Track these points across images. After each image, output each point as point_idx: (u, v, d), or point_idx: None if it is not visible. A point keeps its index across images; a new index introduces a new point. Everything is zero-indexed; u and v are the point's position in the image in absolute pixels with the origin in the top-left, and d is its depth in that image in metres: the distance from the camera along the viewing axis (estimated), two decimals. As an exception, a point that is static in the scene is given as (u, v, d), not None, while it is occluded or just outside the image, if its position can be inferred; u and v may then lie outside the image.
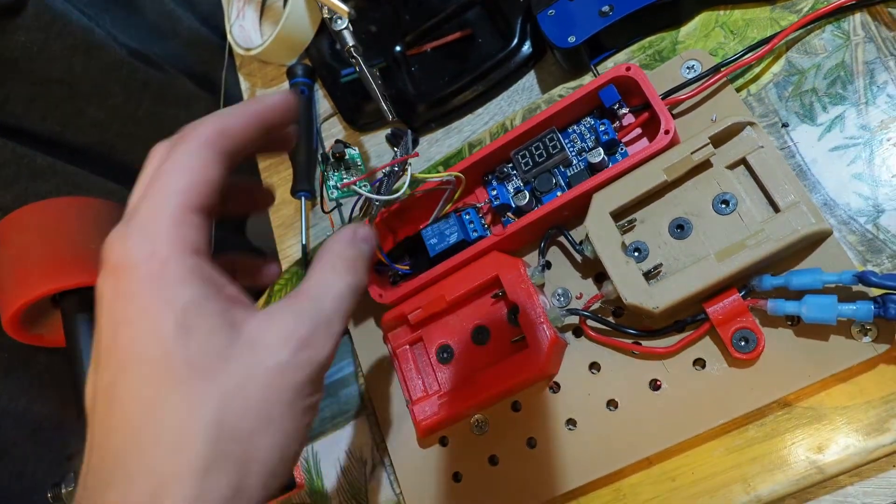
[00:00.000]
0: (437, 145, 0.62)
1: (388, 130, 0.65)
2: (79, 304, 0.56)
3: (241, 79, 0.79)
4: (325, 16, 0.48)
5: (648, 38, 0.51)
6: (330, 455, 0.54)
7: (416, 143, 0.62)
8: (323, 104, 0.71)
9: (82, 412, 0.53)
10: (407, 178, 0.44)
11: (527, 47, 0.58)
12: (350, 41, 0.49)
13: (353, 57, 0.49)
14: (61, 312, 0.56)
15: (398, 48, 0.64)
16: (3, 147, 0.62)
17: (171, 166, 0.28)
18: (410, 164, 0.45)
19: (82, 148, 0.73)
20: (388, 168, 0.45)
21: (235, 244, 0.95)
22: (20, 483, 0.68)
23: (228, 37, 0.75)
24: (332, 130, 0.69)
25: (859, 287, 0.37)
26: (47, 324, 0.60)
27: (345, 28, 0.48)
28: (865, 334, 0.37)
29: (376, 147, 0.66)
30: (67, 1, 0.67)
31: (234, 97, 0.81)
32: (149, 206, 0.27)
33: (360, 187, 0.46)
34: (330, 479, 0.54)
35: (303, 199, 0.65)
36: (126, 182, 0.76)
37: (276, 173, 0.72)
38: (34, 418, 0.69)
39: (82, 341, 0.54)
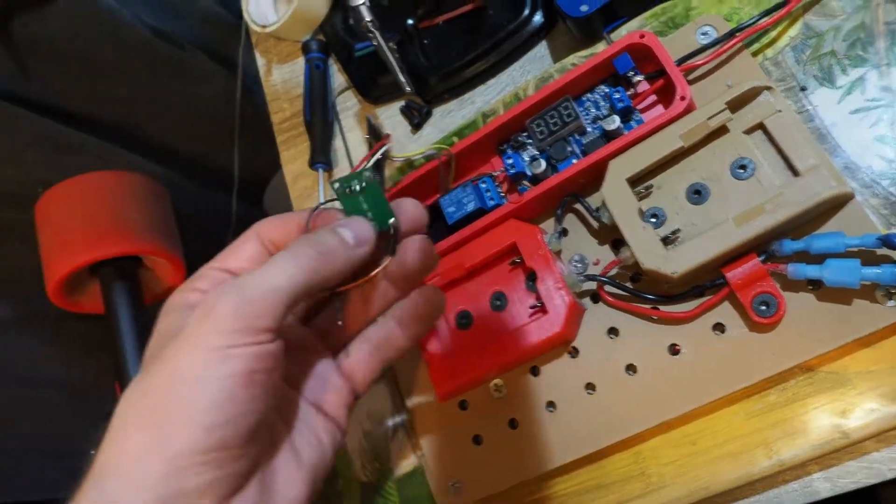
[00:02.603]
0: (451, 116, 0.58)
1: (403, 102, 0.61)
2: (116, 273, 0.54)
3: (258, 55, 0.76)
4: (342, -9, 0.44)
5: (661, 5, 0.47)
6: (353, 418, 0.52)
7: (428, 115, 0.60)
8: (337, 78, 0.67)
9: (119, 373, 0.51)
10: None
11: (538, 17, 0.54)
12: (367, 16, 0.45)
13: (371, 32, 0.45)
14: (100, 281, 0.54)
15: (410, 21, 0.60)
16: (42, 125, 0.60)
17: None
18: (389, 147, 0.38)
19: (110, 124, 0.70)
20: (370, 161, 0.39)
21: (251, 216, 0.92)
22: (60, 441, 0.67)
23: (245, 14, 0.71)
24: (348, 104, 0.66)
25: (883, 250, 0.34)
26: (85, 292, 0.58)
27: (362, 4, 0.45)
28: (890, 298, 0.34)
29: (390, 119, 0.62)
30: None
31: (250, 74, 0.78)
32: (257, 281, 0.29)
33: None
34: (353, 441, 0.51)
35: (320, 170, 0.63)
36: (148, 155, 0.74)
37: (294, 146, 0.69)
38: (72, 383, 0.68)
39: (119, 308, 0.53)
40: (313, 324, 0.36)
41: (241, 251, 0.33)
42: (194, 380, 0.27)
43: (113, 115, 0.70)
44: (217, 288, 0.29)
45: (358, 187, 0.32)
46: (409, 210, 0.34)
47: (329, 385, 0.35)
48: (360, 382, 0.35)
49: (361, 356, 0.35)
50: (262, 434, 0.30)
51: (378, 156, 0.31)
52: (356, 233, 0.32)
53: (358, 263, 0.32)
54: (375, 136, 0.33)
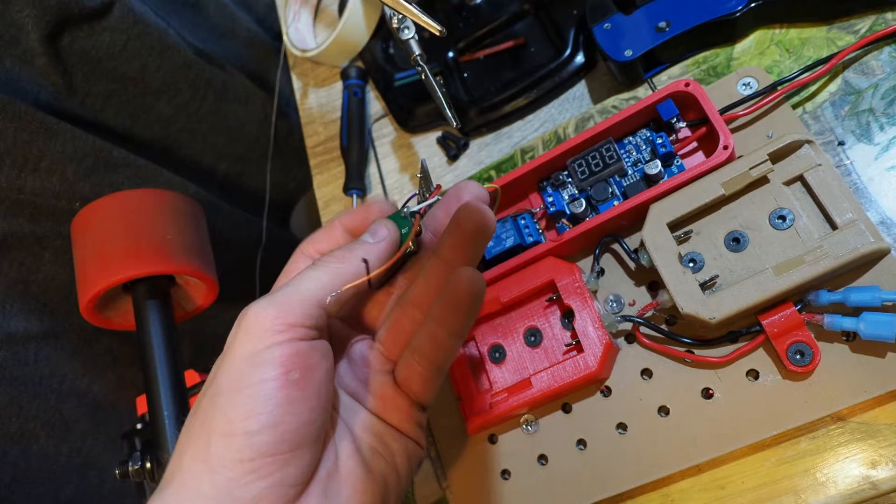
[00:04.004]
0: (487, 149, 0.61)
1: (439, 133, 0.64)
2: (149, 290, 0.56)
3: (294, 78, 0.79)
4: (394, 26, 0.47)
5: (703, 54, 0.50)
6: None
7: (465, 147, 0.62)
8: (374, 105, 0.70)
9: (148, 388, 0.52)
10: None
11: (579, 58, 0.57)
12: (417, 50, 0.48)
13: (419, 65, 0.48)
14: (132, 298, 0.56)
15: (451, 54, 0.63)
16: (84, 140, 0.62)
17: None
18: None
19: (149, 142, 0.73)
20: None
21: (280, 237, 0.95)
22: (79, 458, 0.69)
23: (285, 38, 0.75)
24: (384, 131, 0.69)
25: (918, 307, 0.36)
26: (115, 308, 0.60)
27: (412, 38, 0.47)
28: (923, 353, 0.36)
29: (427, 149, 0.65)
30: (144, 3, 0.67)
31: (284, 96, 0.81)
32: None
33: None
34: (378, 468, 0.53)
35: (354, 196, 0.65)
36: (185, 174, 0.77)
37: (327, 170, 0.71)
38: (94, 397, 0.70)
39: (151, 325, 0.55)
40: (378, 337, 0.37)
41: (293, 272, 0.35)
42: (231, 389, 0.29)
43: (153, 134, 0.73)
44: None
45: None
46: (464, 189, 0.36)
47: (387, 401, 0.35)
48: (420, 393, 0.35)
49: (411, 365, 0.35)
50: (312, 438, 0.30)
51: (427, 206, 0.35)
52: (373, 230, 0.35)
53: (382, 255, 0.34)
54: (426, 182, 0.36)
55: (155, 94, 0.70)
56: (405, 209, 0.36)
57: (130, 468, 0.50)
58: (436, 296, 0.34)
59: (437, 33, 0.42)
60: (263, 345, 0.29)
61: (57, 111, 0.63)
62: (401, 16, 0.47)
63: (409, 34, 0.48)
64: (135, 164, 0.67)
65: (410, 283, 0.37)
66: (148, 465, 0.51)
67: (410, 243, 0.36)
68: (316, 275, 0.32)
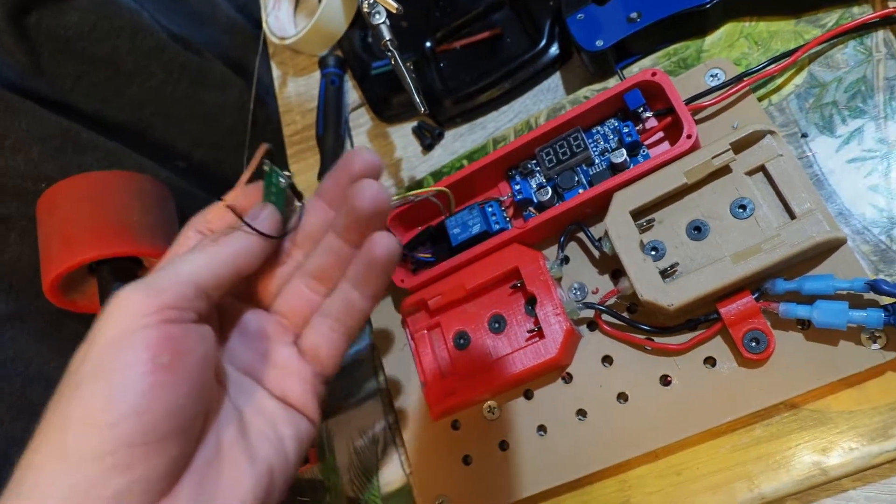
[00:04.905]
0: (462, 140, 0.62)
1: (415, 123, 0.65)
2: (114, 272, 0.56)
3: (273, 66, 0.79)
4: (365, 10, 0.48)
5: (674, 46, 0.51)
6: (343, 433, 0.54)
7: (440, 137, 0.63)
8: (351, 94, 0.71)
9: None
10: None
11: (554, 49, 0.58)
12: (387, 35, 0.49)
13: (390, 51, 0.49)
14: (97, 280, 0.56)
15: (428, 44, 0.64)
16: (51, 121, 0.62)
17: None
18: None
19: (120, 125, 0.73)
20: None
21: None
22: None
23: (264, 26, 0.75)
24: (360, 120, 0.69)
25: (871, 295, 0.37)
26: (81, 290, 0.60)
27: (382, 23, 0.48)
28: (874, 341, 0.36)
29: (402, 139, 0.65)
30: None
31: (263, 84, 0.81)
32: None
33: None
34: (342, 456, 0.54)
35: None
36: (157, 159, 0.77)
37: (303, 159, 0.72)
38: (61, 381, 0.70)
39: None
40: (273, 309, 0.36)
41: (182, 247, 0.35)
42: (93, 376, 0.27)
43: (124, 116, 0.73)
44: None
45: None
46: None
47: (290, 372, 0.34)
48: (326, 362, 0.35)
49: (322, 332, 0.35)
50: (183, 426, 0.28)
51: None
52: (253, 213, 0.34)
53: (265, 243, 0.34)
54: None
55: (126, 76, 0.71)
56: (281, 179, 0.36)
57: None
58: (338, 266, 0.35)
59: (394, 11, 0.43)
60: (131, 328, 0.28)
61: (22, 90, 0.63)
62: (371, 0, 0.48)
63: (379, 19, 0.48)
64: (104, 147, 0.67)
65: (307, 254, 0.37)
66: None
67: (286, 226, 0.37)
68: (192, 257, 0.31)
